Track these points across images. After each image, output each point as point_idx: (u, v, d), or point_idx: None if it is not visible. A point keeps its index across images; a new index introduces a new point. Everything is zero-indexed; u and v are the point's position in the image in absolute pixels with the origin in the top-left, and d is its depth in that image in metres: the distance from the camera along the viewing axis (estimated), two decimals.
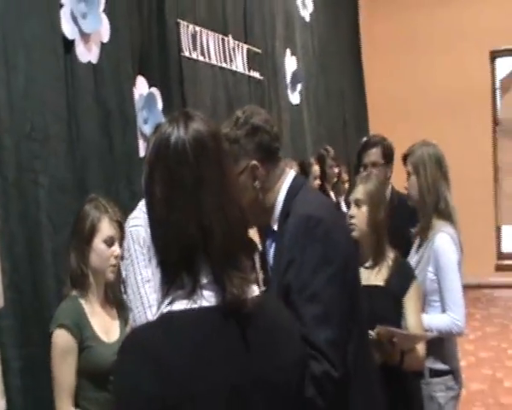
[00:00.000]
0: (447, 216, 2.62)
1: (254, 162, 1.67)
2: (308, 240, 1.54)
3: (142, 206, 2.61)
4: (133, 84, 3.51)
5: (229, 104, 4.66)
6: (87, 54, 3.12)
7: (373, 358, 1.85)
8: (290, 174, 1.76)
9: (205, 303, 1.06)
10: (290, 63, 5.95)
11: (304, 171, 4.09)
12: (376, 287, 2.37)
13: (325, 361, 1.43)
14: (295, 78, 5.96)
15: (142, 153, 3.46)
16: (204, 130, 1.13)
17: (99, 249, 2.15)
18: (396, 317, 2.34)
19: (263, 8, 5.43)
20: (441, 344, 2.55)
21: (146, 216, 2.52)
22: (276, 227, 1.73)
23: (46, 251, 2.59)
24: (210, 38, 4.44)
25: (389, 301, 2.35)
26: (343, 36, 7.74)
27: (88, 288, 2.12)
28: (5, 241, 2.44)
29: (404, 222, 2.87)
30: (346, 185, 5.51)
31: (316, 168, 4.51)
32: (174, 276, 1.08)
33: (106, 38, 3.24)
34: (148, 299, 2.34)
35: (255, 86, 5.19)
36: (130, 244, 2.49)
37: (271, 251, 1.76)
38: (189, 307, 1.05)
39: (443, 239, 2.56)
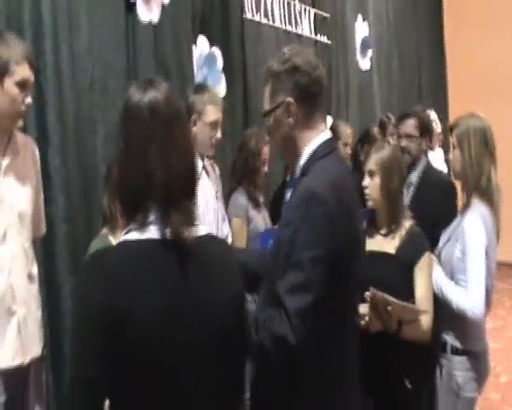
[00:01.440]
0: (487, 195, 2.51)
1: (290, 99, 1.69)
2: (306, 218, 1.57)
3: None
4: (193, 43, 3.70)
5: None
6: (148, 14, 3.34)
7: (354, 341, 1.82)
8: (324, 134, 1.74)
9: (150, 236, 1.27)
10: (361, 29, 5.94)
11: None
12: (387, 254, 2.39)
13: (288, 326, 1.51)
14: (366, 43, 5.95)
15: None
16: (160, 96, 1.32)
17: None
18: (405, 286, 2.33)
19: None
20: (463, 321, 2.46)
21: None
22: (296, 176, 1.78)
23: (98, 192, 2.85)
24: (274, 1, 4.56)
25: (398, 270, 2.35)
26: (422, 6, 7.56)
27: (116, 227, 2.36)
28: (62, 180, 2.74)
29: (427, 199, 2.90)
30: None
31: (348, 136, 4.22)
32: (131, 214, 1.31)
33: (167, 0, 3.45)
34: None
35: (322, 50, 5.26)
36: None
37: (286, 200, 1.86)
38: (138, 237, 1.27)
39: (473, 220, 2.46)
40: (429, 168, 3.27)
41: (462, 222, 2.49)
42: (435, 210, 2.86)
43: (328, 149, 1.72)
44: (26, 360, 2.12)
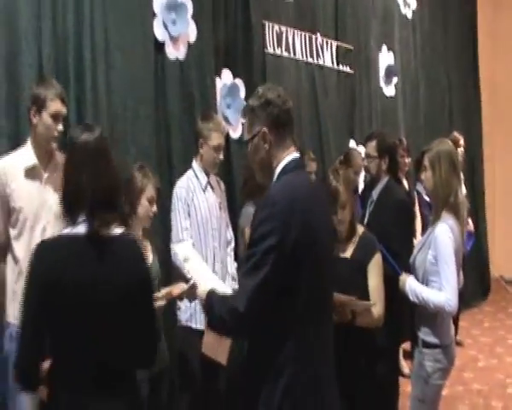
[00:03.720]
0: (455, 210, 2.87)
1: (265, 129, 2.01)
2: (263, 213, 1.94)
3: (188, 174, 3.40)
4: (217, 76, 4.24)
5: (314, 95, 5.26)
6: (175, 52, 3.91)
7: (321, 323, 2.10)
8: (292, 154, 2.05)
9: (79, 232, 1.85)
10: (386, 58, 6.35)
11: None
12: (344, 259, 2.83)
13: (237, 300, 1.90)
14: (390, 71, 6.35)
15: None
16: (92, 136, 1.93)
17: (143, 205, 2.93)
18: (361, 283, 2.78)
19: (357, 7, 5.93)
20: (434, 319, 2.85)
21: (189, 182, 3.30)
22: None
23: None
24: (296, 36, 5.06)
25: (354, 270, 2.79)
26: (453, 30, 7.86)
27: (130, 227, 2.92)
28: None
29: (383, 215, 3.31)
30: None
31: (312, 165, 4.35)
32: (68, 216, 1.89)
33: (192, 39, 4.02)
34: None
35: (344, 79, 5.72)
36: (175, 201, 3.28)
37: None
38: (69, 232, 1.87)
39: (442, 229, 2.82)
40: (389, 187, 3.57)
41: (434, 232, 2.87)
42: (389, 225, 3.27)
43: (293, 165, 2.05)
44: None
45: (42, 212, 2.76)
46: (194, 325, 3.37)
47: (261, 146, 2.04)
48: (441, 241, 2.82)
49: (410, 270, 2.99)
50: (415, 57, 7.02)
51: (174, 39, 3.88)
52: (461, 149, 6.08)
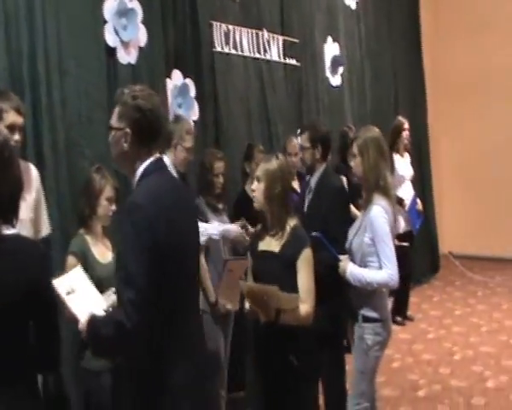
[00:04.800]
0: (385, 191, 3.08)
1: (128, 130, 2.09)
2: (123, 219, 2.01)
3: None
4: (167, 77, 4.42)
5: (262, 90, 5.49)
6: (127, 57, 4.07)
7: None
8: (153, 157, 2.13)
9: None
10: (331, 49, 6.61)
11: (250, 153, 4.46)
12: (271, 253, 2.79)
13: (123, 314, 1.90)
14: (336, 61, 6.61)
15: None
16: None
17: (102, 205, 3.12)
18: (289, 279, 2.71)
19: (301, 1, 6.17)
20: (372, 296, 3.06)
21: None
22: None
23: None
24: (243, 34, 5.26)
25: (281, 265, 2.74)
26: (397, 20, 8.16)
27: (91, 227, 3.12)
28: (55, 197, 3.49)
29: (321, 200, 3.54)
30: None
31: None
32: None
33: (143, 43, 4.18)
34: None
35: (291, 72, 5.95)
36: None
37: None
38: None
39: (377, 210, 3.03)
40: (325, 174, 3.75)
41: (368, 215, 3.08)
42: (327, 211, 3.50)
43: (153, 167, 2.13)
44: None
45: None
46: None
47: (121, 142, 2.12)
48: (377, 221, 3.02)
49: (348, 254, 3.18)
50: (360, 47, 7.30)
51: (125, 44, 4.04)
52: (405, 132, 6.42)
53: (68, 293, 2.17)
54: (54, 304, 2.03)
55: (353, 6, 7.16)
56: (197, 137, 4.56)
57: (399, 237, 6.06)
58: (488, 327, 6.18)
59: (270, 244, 2.83)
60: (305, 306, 2.73)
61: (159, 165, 2.17)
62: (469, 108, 9.15)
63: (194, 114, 4.63)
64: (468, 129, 9.20)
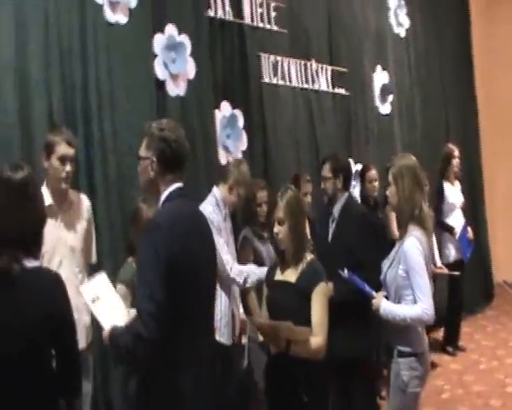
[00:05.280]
0: (421, 222, 2.96)
1: (154, 158, 2.28)
2: (144, 237, 2.17)
3: (210, 201, 3.72)
4: (216, 108, 4.48)
5: (311, 120, 5.50)
6: (176, 89, 4.16)
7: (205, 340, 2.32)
8: (176, 184, 2.30)
9: None
10: (380, 77, 6.58)
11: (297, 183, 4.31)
12: (287, 283, 2.81)
13: (141, 324, 2.05)
14: (385, 90, 6.57)
15: (223, 161, 4.44)
16: (16, 175, 1.97)
17: None
18: (303, 311, 2.71)
19: (350, 30, 6.17)
20: (406, 329, 2.94)
21: (215, 209, 3.69)
22: None
23: None
24: (291, 64, 5.30)
25: (296, 296, 2.74)
26: (448, 45, 8.06)
27: None
28: (106, 226, 3.58)
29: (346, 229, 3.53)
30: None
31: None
32: None
33: (192, 76, 4.27)
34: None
35: (340, 101, 5.94)
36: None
37: None
38: None
39: (411, 242, 2.91)
40: (348, 203, 3.75)
41: (403, 246, 2.97)
42: (352, 238, 3.47)
43: (177, 194, 2.30)
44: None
45: (58, 247, 3.05)
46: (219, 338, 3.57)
47: (148, 170, 2.31)
48: (411, 254, 2.90)
49: (379, 285, 3.08)
50: (409, 74, 7.24)
51: (174, 77, 4.13)
52: (456, 160, 6.29)
53: (93, 300, 2.30)
54: (74, 333, 2.07)
55: (403, 34, 7.12)
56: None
57: (450, 266, 5.98)
58: None
59: (287, 275, 2.85)
60: (317, 339, 2.70)
61: (180, 192, 2.33)
62: None
63: (242, 144, 4.67)
64: None
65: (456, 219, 6.19)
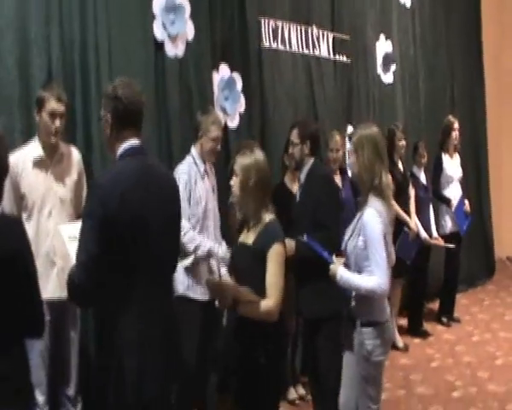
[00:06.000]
0: (380, 192, 2.97)
1: (108, 116, 2.37)
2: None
3: (187, 160, 3.82)
4: (215, 70, 4.57)
5: (310, 85, 5.56)
6: (174, 50, 4.26)
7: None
8: (131, 141, 2.36)
9: None
10: (383, 46, 6.60)
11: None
12: (246, 245, 2.79)
13: (76, 272, 2.21)
14: (388, 58, 6.60)
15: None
16: None
17: None
18: (260, 272, 2.67)
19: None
20: (370, 300, 2.96)
21: (189, 168, 3.78)
22: None
23: None
24: (292, 30, 5.36)
25: (253, 258, 2.73)
26: (455, 15, 8.02)
27: None
28: None
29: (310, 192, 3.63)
30: (423, 159, 6.08)
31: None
32: None
33: (190, 37, 4.36)
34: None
35: (341, 69, 5.99)
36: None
37: None
38: None
39: (369, 213, 2.93)
40: (314, 167, 3.78)
41: (362, 217, 3.00)
42: (317, 198, 3.57)
43: (130, 152, 2.36)
44: (62, 295, 2.95)
45: (47, 197, 3.23)
46: (191, 295, 3.74)
47: (105, 128, 2.42)
48: (369, 226, 2.92)
49: (339, 245, 3.14)
50: (414, 44, 7.23)
51: (173, 38, 4.22)
52: (455, 132, 6.32)
53: (70, 238, 2.46)
54: (33, 273, 2.16)
55: (408, 4, 7.11)
56: (242, 130, 4.75)
57: (446, 237, 6.08)
58: None
59: (247, 237, 2.83)
60: (269, 301, 2.66)
61: (135, 150, 2.38)
62: None
63: (240, 106, 4.77)
64: None
65: (454, 192, 6.26)
